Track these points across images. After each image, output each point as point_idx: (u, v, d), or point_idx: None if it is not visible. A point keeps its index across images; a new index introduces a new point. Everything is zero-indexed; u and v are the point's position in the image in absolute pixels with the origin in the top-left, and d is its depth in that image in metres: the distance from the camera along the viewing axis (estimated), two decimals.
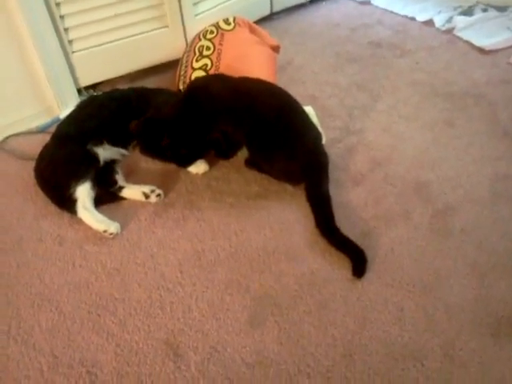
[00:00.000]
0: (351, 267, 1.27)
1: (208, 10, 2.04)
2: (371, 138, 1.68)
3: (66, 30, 1.78)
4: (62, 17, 1.75)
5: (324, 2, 2.51)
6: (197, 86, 1.57)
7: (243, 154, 1.56)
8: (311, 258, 1.31)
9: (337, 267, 1.28)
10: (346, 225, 1.36)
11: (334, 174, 1.49)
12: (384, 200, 1.46)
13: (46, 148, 1.55)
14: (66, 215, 1.46)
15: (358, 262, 1.27)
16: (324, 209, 1.39)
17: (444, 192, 1.47)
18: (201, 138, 1.52)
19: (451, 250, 1.31)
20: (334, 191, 1.43)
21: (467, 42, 2.13)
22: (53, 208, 1.48)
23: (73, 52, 1.84)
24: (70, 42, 1.82)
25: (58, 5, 1.72)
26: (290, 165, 1.46)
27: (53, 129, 1.63)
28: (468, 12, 2.31)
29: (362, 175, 1.54)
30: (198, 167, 1.58)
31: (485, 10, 2.31)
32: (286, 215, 1.43)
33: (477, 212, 1.41)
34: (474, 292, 1.21)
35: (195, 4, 1.99)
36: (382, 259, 1.29)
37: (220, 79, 1.56)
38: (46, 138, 1.58)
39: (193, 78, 1.76)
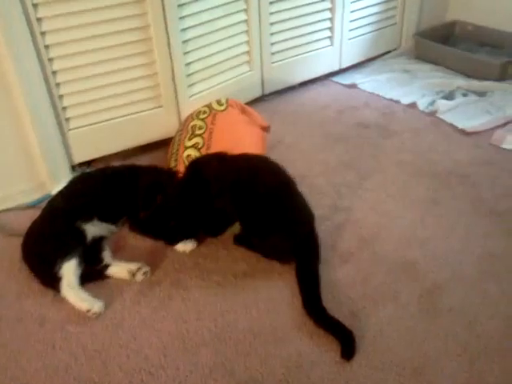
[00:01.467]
0: (340, 349, 1.23)
1: (202, 91, 2.13)
2: (359, 216, 1.70)
3: (63, 108, 1.84)
4: (60, 96, 1.82)
5: (313, 85, 2.63)
6: (196, 167, 1.61)
7: (231, 230, 1.56)
8: (298, 340, 1.28)
9: (325, 349, 1.24)
10: (333, 304, 1.34)
11: (322, 251, 1.49)
12: (372, 278, 1.45)
13: (35, 223, 1.56)
14: (49, 293, 1.43)
15: (347, 343, 1.24)
16: (312, 289, 1.37)
17: (432, 270, 1.47)
18: (197, 217, 1.54)
19: (440, 330, 1.29)
20: (321, 269, 1.43)
21: (450, 124, 2.21)
22: (36, 286, 1.46)
23: (69, 130, 1.89)
24: (67, 119, 1.88)
25: (57, 85, 1.79)
26: (282, 243, 1.47)
27: (43, 204, 1.65)
28: (449, 96, 2.42)
29: (350, 253, 1.54)
30: (186, 245, 1.57)
31: (465, 95, 2.42)
32: (273, 294, 1.41)
33: (465, 291, 1.40)
34: (466, 375, 1.18)
35: (190, 86, 2.08)
36: (370, 340, 1.26)
37: (219, 158, 1.60)
38: (36, 213, 1.59)
39: (185, 155, 1.81)
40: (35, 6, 1.63)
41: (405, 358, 1.22)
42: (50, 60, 1.74)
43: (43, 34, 1.68)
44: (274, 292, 1.42)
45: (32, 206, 1.83)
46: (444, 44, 2.80)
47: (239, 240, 1.58)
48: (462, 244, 1.56)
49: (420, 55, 2.85)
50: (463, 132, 2.16)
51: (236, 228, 1.54)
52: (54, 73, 1.77)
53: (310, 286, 1.39)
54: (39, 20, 1.65)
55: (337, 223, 1.67)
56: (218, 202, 1.51)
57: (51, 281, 1.41)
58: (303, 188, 1.57)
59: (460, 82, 2.54)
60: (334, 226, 1.65)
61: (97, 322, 1.35)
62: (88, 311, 1.35)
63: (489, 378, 1.17)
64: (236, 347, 1.27)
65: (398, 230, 1.64)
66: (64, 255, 1.42)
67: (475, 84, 2.50)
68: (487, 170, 1.91)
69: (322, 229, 1.58)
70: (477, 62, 2.61)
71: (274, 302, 1.39)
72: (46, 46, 1.71)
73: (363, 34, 2.71)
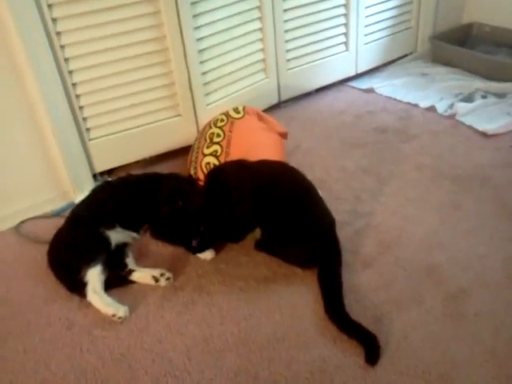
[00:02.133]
0: (364, 354, 1.23)
1: (219, 100, 2.16)
2: (380, 221, 1.70)
3: (84, 119, 1.88)
4: (81, 107, 1.85)
5: (329, 91, 2.64)
6: (216, 174, 1.63)
7: (252, 235, 1.57)
8: (322, 344, 1.28)
9: (348, 354, 1.24)
10: (357, 309, 1.34)
11: (343, 257, 1.49)
12: (395, 283, 1.44)
13: (60, 231, 1.59)
14: (75, 299, 1.46)
15: (371, 348, 1.24)
16: (334, 295, 1.37)
17: (455, 275, 1.46)
18: (219, 225, 1.55)
19: (466, 335, 1.28)
20: (343, 274, 1.43)
21: (469, 127, 2.20)
22: (63, 291, 1.48)
23: (90, 139, 1.93)
24: (88, 130, 1.91)
25: (78, 96, 1.83)
26: (304, 249, 1.48)
27: (67, 213, 1.68)
28: (468, 99, 2.41)
29: (372, 258, 1.54)
30: (205, 254, 1.59)
31: (484, 97, 2.41)
32: (295, 299, 1.42)
33: (490, 295, 1.38)
34: (494, 382, 1.16)
35: (207, 95, 2.11)
36: (395, 345, 1.26)
37: (238, 165, 1.62)
38: (61, 221, 1.62)
39: (203, 163, 1.83)
40: (54, 21, 1.67)
41: (430, 362, 1.21)
42: (70, 72, 1.78)
43: (63, 47, 1.72)
44: (296, 297, 1.42)
45: (56, 214, 1.86)
46: (461, 46, 2.78)
47: (260, 246, 1.59)
48: (485, 248, 1.55)
49: (437, 58, 2.84)
50: (483, 134, 2.14)
51: (257, 233, 1.55)
52: (74, 85, 1.81)
53: (333, 292, 1.39)
54: (58, 34, 1.70)
55: (357, 228, 1.67)
56: (238, 209, 1.52)
57: (77, 287, 1.44)
58: (323, 193, 1.57)
59: (478, 84, 2.52)
60: (354, 231, 1.65)
61: (122, 327, 1.37)
62: (113, 316, 1.37)
63: None
64: (260, 351, 1.27)
65: (419, 234, 1.63)
66: (88, 262, 1.44)
67: (494, 86, 2.48)
68: (508, 173, 1.89)
69: (343, 234, 1.58)
70: (495, 63, 2.59)
71: (296, 307, 1.39)
72: (66, 59, 1.75)
73: (379, 39, 2.71)
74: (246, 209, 1.51)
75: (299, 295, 1.43)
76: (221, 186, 1.56)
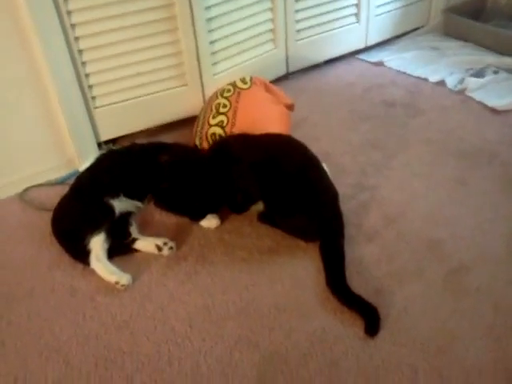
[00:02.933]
0: (364, 325, 1.24)
1: (226, 69, 2.13)
2: (384, 195, 1.69)
3: (90, 87, 1.86)
4: (87, 75, 1.83)
5: (338, 63, 2.60)
6: (222, 144, 1.64)
7: (255, 207, 1.57)
8: (323, 315, 1.29)
9: (348, 325, 1.25)
10: (358, 281, 1.35)
11: (347, 230, 1.49)
12: (397, 257, 1.45)
13: (64, 199, 1.59)
14: (79, 266, 1.47)
15: (371, 320, 1.25)
16: (336, 268, 1.38)
17: (458, 250, 1.45)
18: (219, 192, 1.55)
19: (466, 309, 1.28)
20: (346, 247, 1.43)
21: (479, 103, 2.17)
22: (66, 258, 1.50)
23: (95, 108, 1.92)
24: (93, 98, 1.90)
25: (83, 64, 1.81)
26: (307, 222, 1.47)
27: (71, 181, 1.68)
28: (479, 74, 2.36)
29: (376, 231, 1.54)
30: (210, 222, 1.59)
31: (496, 72, 2.36)
32: (298, 271, 1.42)
33: (492, 271, 1.38)
34: (492, 355, 1.17)
35: (214, 64, 2.08)
36: (395, 318, 1.27)
37: (242, 138, 1.62)
38: (65, 189, 1.62)
39: (209, 133, 1.82)
40: None
41: (429, 335, 1.22)
42: (76, 39, 1.75)
43: (69, 13, 1.69)
44: (298, 268, 1.43)
45: (60, 182, 1.87)
46: (475, 19, 2.72)
47: (263, 217, 1.59)
48: (489, 224, 1.54)
49: (449, 32, 2.78)
50: (493, 110, 2.11)
51: (260, 205, 1.55)
52: (80, 51, 1.78)
53: (334, 264, 1.39)
54: (65, 0, 1.67)
55: (362, 202, 1.66)
56: (240, 181, 1.52)
57: (80, 254, 1.45)
58: (328, 166, 1.56)
59: (491, 59, 2.47)
60: (359, 205, 1.65)
61: (125, 294, 1.39)
62: (116, 283, 1.38)
63: None
64: (261, 321, 1.28)
65: (424, 208, 1.62)
66: (92, 230, 1.45)
67: (507, 61, 2.43)
68: None
69: (347, 207, 1.58)
70: (509, 38, 2.53)
71: (298, 278, 1.40)
72: (72, 25, 1.72)
73: (390, 11, 2.66)
74: (248, 182, 1.51)
75: (301, 267, 1.43)
76: (224, 156, 1.55)
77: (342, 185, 1.62)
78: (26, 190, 1.83)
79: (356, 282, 1.34)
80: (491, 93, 2.21)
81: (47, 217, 1.58)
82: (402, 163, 1.84)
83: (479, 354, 1.17)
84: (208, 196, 1.57)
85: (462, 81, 2.32)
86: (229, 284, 1.40)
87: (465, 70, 2.42)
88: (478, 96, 2.20)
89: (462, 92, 2.26)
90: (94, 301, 1.37)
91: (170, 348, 1.24)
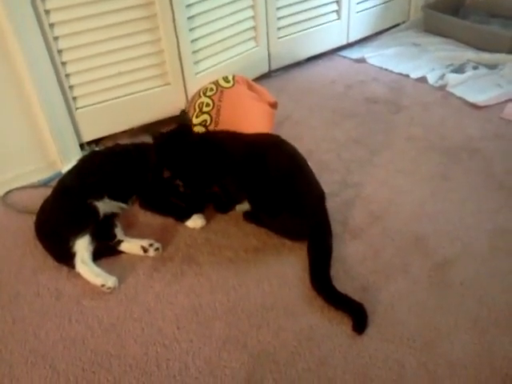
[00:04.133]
0: (351, 323, 1.25)
1: (208, 68, 2.12)
2: (369, 192, 1.70)
3: (70, 87, 1.84)
4: (67, 75, 1.81)
5: (320, 61, 2.61)
6: (210, 138, 1.61)
7: (241, 207, 1.57)
8: (310, 313, 1.29)
9: (336, 322, 1.26)
10: (344, 279, 1.36)
11: (332, 227, 1.49)
12: (382, 253, 1.46)
13: (47, 202, 1.57)
14: (64, 269, 1.46)
15: (359, 317, 1.26)
16: (321, 267, 1.38)
17: (442, 245, 1.47)
18: (202, 189, 1.55)
19: (451, 304, 1.30)
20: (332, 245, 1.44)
21: (460, 98, 2.19)
22: (51, 262, 1.48)
23: (76, 108, 1.89)
24: (74, 98, 1.87)
25: (63, 64, 1.78)
26: (293, 222, 1.48)
27: (54, 183, 1.66)
28: (459, 69, 2.39)
29: (360, 229, 1.55)
30: (196, 222, 1.58)
31: (475, 68, 2.39)
32: (284, 269, 1.42)
33: (476, 265, 1.40)
34: (477, 348, 1.19)
35: (196, 63, 2.07)
36: (381, 314, 1.28)
37: (233, 135, 1.60)
38: (48, 191, 1.61)
39: None
40: None
41: (416, 331, 1.24)
42: (56, 39, 1.73)
43: (47, 12, 1.67)
44: (285, 267, 1.43)
45: (43, 184, 1.84)
46: (454, 16, 2.75)
47: (249, 216, 1.58)
48: (473, 219, 1.56)
49: (429, 28, 2.81)
50: (474, 106, 2.14)
51: (246, 204, 1.55)
52: (60, 51, 1.76)
53: (320, 264, 1.39)
54: None
55: (346, 199, 1.67)
56: (226, 180, 1.51)
57: (65, 257, 1.43)
58: (312, 164, 1.56)
59: (470, 54, 2.51)
60: (343, 202, 1.65)
61: (111, 296, 1.37)
62: (102, 286, 1.37)
63: (499, 350, 1.18)
64: (248, 320, 1.29)
65: (408, 205, 1.64)
66: (77, 232, 1.43)
67: (486, 57, 2.47)
68: (498, 144, 1.89)
69: (332, 205, 1.58)
70: (488, 34, 2.57)
71: (285, 277, 1.40)
72: (51, 25, 1.70)
73: (371, 7, 2.68)
74: (232, 180, 1.51)
75: (288, 265, 1.44)
76: (210, 148, 1.54)
77: (327, 182, 1.62)
78: (8, 192, 1.80)
79: (342, 280, 1.35)
80: (471, 88, 2.24)
81: (30, 220, 1.56)
82: (385, 159, 1.86)
83: (464, 348, 1.19)
84: (193, 193, 1.56)
85: (442, 77, 2.35)
86: (216, 284, 1.39)
87: (445, 65, 2.44)
88: (458, 92, 2.23)
89: (442, 88, 2.28)
90: (79, 304, 1.36)
91: (158, 350, 1.23)
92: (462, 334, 1.22)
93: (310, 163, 1.57)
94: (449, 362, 1.16)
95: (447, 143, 1.92)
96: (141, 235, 1.54)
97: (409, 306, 1.30)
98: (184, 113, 1.75)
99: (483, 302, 1.30)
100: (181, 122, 1.63)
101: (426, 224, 1.55)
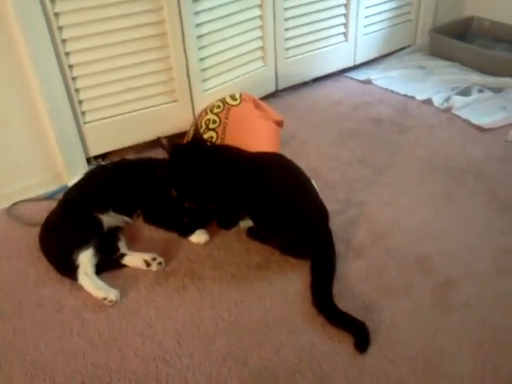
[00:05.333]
0: (353, 341, 1.24)
1: (216, 86, 2.15)
2: (372, 211, 1.70)
3: (80, 102, 1.87)
4: (77, 90, 1.84)
5: (327, 81, 2.63)
6: (216, 154, 1.60)
7: (244, 223, 1.58)
8: (311, 331, 1.29)
9: (337, 340, 1.25)
10: (347, 297, 1.35)
11: (335, 246, 1.49)
12: (385, 272, 1.45)
13: (52, 214, 1.58)
14: (66, 281, 1.46)
15: (361, 335, 1.25)
16: (324, 286, 1.37)
17: (446, 265, 1.46)
18: (207, 205, 1.55)
19: (454, 325, 1.29)
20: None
21: (465, 121, 2.20)
22: (54, 274, 1.48)
23: (85, 123, 1.92)
24: (83, 113, 1.90)
25: (74, 79, 1.81)
26: (297, 241, 1.47)
27: (60, 196, 1.67)
28: (465, 92, 2.41)
29: (364, 247, 1.55)
30: (199, 237, 1.59)
31: (481, 91, 2.41)
32: (286, 286, 1.42)
33: (479, 286, 1.39)
34: (480, 370, 1.17)
35: (204, 81, 2.10)
36: (383, 333, 1.27)
37: (238, 152, 1.60)
38: (53, 204, 1.62)
39: None
40: (53, 1, 1.65)
41: (418, 351, 1.23)
42: (67, 54, 1.76)
43: (60, 28, 1.70)
44: (287, 284, 1.43)
45: (49, 197, 1.85)
46: (460, 40, 2.78)
47: (253, 233, 1.59)
48: (476, 240, 1.56)
49: (435, 51, 2.83)
50: (479, 128, 2.15)
51: (250, 221, 1.55)
52: (71, 67, 1.79)
53: (322, 283, 1.38)
54: (56, 15, 1.67)
55: (350, 218, 1.67)
56: (228, 197, 1.52)
57: (68, 270, 1.44)
58: (316, 183, 1.57)
59: (476, 78, 2.52)
60: (347, 221, 1.66)
61: (113, 310, 1.37)
62: (104, 299, 1.37)
63: (503, 373, 1.17)
64: (250, 337, 1.28)
65: (411, 224, 1.64)
66: (80, 245, 1.44)
67: (491, 80, 2.48)
68: (502, 167, 1.90)
69: (336, 223, 1.59)
70: (493, 58, 2.59)
71: (287, 294, 1.40)
72: (63, 41, 1.73)
73: (378, 30, 2.71)
74: (235, 197, 1.51)
75: (290, 282, 1.43)
76: (216, 164, 1.54)
77: (331, 201, 1.63)
78: (14, 204, 1.81)
79: (345, 298, 1.34)
80: (476, 111, 2.25)
81: (35, 232, 1.57)
82: (389, 179, 1.86)
83: (467, 370, 1.18)
84: (197, 210, 1.57)
85: (448, 99, 2.36)
86: (217, 300, 1.39)
87: (451, 88, 2.46)
88: (463, 114, 2.24)
89: (448, 110, 2.30)
90: (81, 317, 1.36)
91: (158, 365, 1.22)
92: (465, 356, 1.21)
93: (314, 182, 1.57)
94: (451, 383, 1.15)
95: (452, 164, 1.93)
96: (144, 249, 1.55)
97: (411, 326, 1.29)
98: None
99: (486, 324, 1.28)
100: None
101: (429, 244, 1.55)
